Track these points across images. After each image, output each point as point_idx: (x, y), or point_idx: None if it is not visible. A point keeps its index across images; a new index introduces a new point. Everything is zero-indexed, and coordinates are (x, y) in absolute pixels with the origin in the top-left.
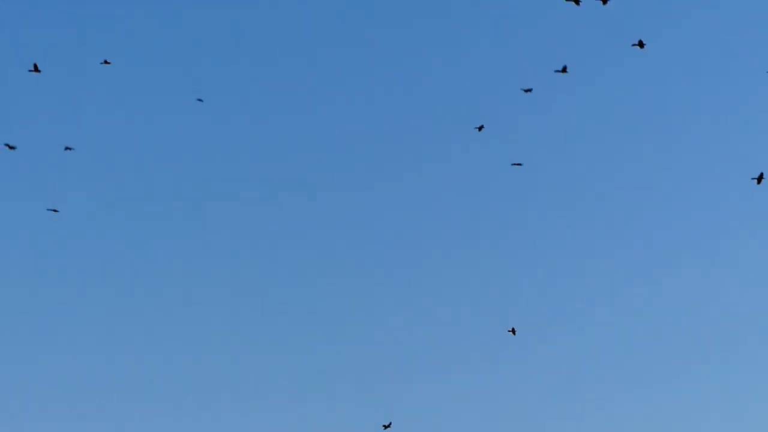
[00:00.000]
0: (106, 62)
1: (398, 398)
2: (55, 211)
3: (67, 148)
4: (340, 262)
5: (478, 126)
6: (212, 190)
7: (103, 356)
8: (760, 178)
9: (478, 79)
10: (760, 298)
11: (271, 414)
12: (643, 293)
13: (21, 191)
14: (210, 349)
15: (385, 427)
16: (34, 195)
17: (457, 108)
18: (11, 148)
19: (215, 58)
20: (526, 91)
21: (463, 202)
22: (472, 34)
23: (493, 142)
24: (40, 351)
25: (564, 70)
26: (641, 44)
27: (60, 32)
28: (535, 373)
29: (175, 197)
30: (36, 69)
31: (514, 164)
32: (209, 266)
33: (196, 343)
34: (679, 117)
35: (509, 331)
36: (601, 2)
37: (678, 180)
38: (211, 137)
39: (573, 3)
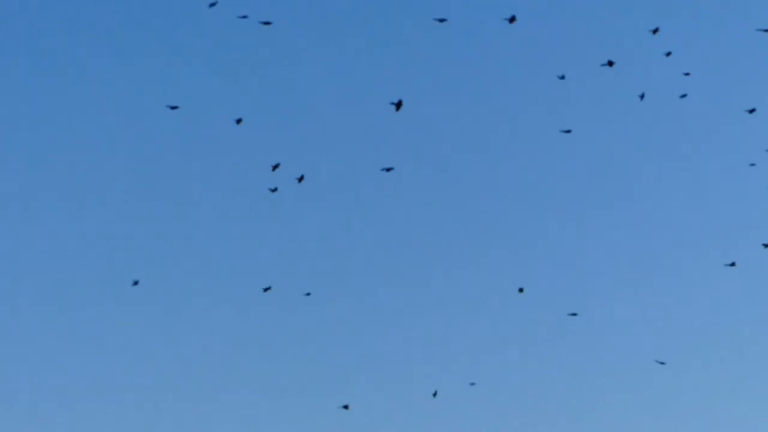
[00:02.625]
0: (239, 121)
1: (398, 399)
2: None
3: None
4: (341, 261)
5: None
6: (210, 188)
7: (101, 356)
8: (398, 105)
9: (481, 81)
10: (761, 300)
11: (271, 415)
12: (648, 295)
13: (21, 192)
14: (209, 350)
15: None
16: (33, 195)
17: (460, 109)
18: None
19: (218, 56)
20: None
21: (463, 203)
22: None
23: (494, 142)
24: (39, 351)
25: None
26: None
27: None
28: (536, 374)
29: (175, 195)
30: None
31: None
32: (208, 266)
33: (194, 344)
34: (678, 116)
35: (433, 395)
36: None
37: (679, 181)
38: (210, 136)
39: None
